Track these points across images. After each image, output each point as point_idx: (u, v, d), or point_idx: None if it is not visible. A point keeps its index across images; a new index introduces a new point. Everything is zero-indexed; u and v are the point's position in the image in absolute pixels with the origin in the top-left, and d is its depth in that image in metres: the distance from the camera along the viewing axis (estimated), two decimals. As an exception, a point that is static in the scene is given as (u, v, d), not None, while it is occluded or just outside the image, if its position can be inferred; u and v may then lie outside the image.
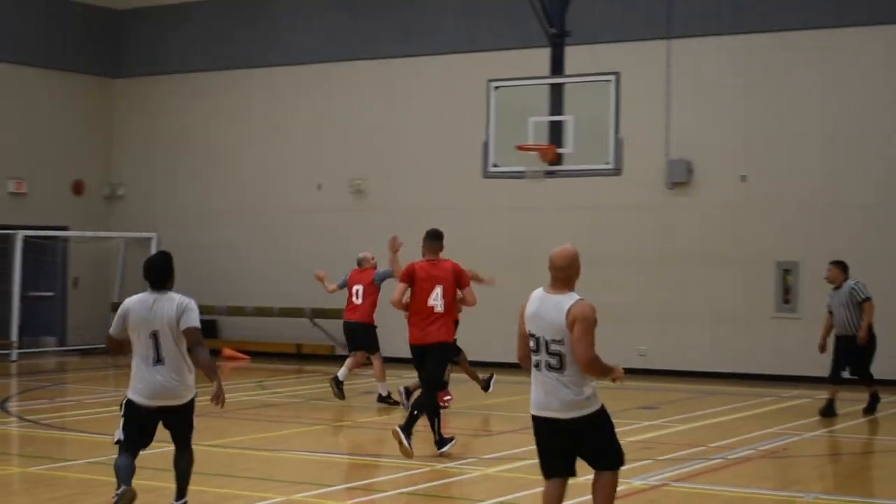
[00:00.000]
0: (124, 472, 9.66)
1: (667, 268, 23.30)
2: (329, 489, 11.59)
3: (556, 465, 8.59)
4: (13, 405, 18.95)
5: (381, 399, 18.46)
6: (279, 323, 27.00)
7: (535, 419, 8.59)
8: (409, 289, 13.92)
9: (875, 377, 17.98)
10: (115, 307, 27.93)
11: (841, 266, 18.04)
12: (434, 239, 14.23)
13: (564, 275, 8.49)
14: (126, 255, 29.42)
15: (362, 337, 18.58)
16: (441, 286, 13.74)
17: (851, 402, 18.16)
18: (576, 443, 8.49)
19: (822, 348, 18.06)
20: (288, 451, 13.91)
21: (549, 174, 19.06)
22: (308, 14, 27.58)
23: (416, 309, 13.87)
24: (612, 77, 18.34)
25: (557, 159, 18.57)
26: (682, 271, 23.08)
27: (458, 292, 14.00)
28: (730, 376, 22.58)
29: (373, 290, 18.58)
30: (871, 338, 17.69)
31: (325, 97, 27.18)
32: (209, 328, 25.69)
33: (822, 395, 19.13)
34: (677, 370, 22.05)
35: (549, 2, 20.34)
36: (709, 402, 19.37)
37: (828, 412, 17.56)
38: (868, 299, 17.58)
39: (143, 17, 30.11)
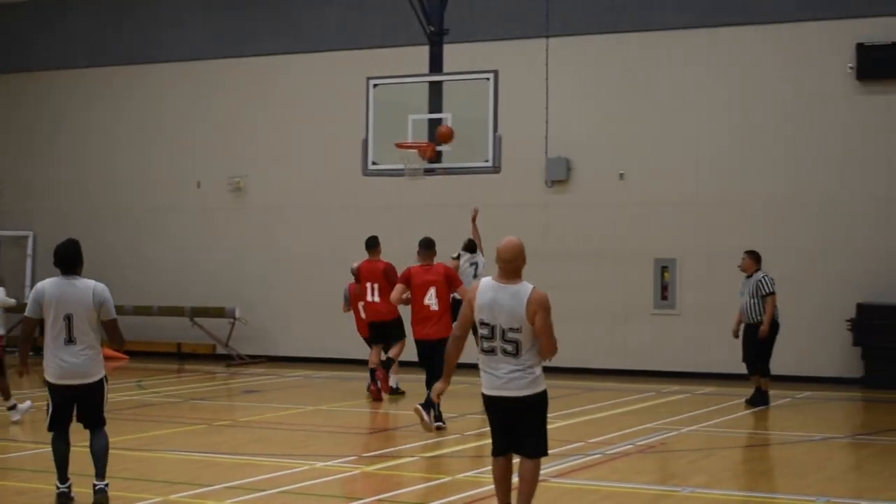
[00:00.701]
0: (61, 458, 10.42)
1: (546, 265, 23.20)
2: (207, 489, 11.41)
3: (508, 442, 9.13)
4: None
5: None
6: (159, 322, 26.66)
7: (492, 399, 9.03)
8: (408, 290, 15.69)
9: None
10: (-9, 305, 27.74)
11: (754, 256, 18.49)
12: (427, 247, 15.88)
13: (513, 266, 9.03)
14: (1, 253, 29.12)
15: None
16: (434, 288, 15.36)
17: (731, 396, 18.40)
18: (524, 420, 9.01)
19: (735, 334, 18.45)
20: (166, 451, 13.75)
21: (429, 172, 19.14)
22: (189, 10, 27.44)
23: (415, 309, 15.55)
24: (490, 75, 18.45)
25: (436, 157, 18.69)
26: (561, 268, 23.16)
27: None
28: (609, 372, 22.80)
29: None
30: (772, 330, 18.17)
31: (203, 94, 27.00)
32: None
33: (701, 390, 19.45)
34: (556, 367, 22.08)
35: (427, 0, 20.27)
36: (588, 397, 19.52)
37: (756, 402, 18.06)
38: (771, 294, 18.02)
39: (18, 12, 29.60)
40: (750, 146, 22.60)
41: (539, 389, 8.93)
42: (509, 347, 8.82)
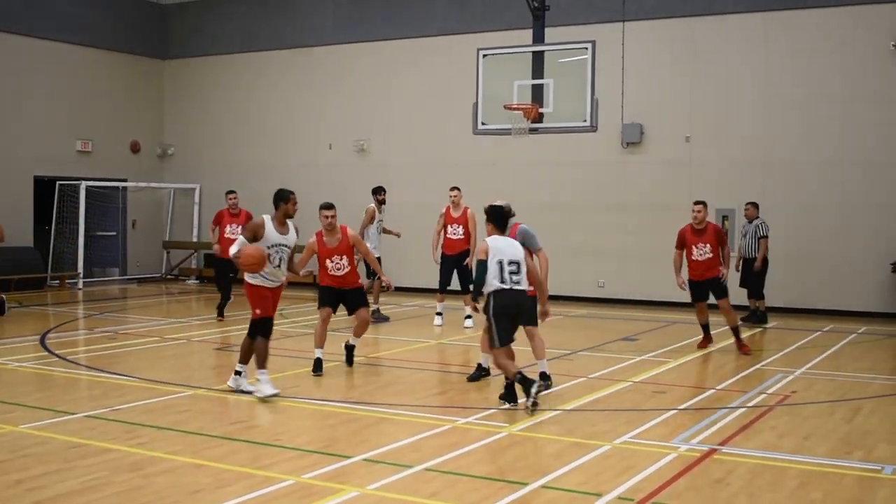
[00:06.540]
0: None
1: (622, 214, 23.70)
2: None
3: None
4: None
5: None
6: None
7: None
8: None
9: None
10: (166, 245, 28.87)
11: (755, 206, 20.14)
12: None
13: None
14: (174, 202, 31.16)
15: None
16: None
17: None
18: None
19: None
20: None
21: (533, 131, 19.03)
22: (323, 4, 28.62)
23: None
24: (588, 45, 18.14)
25: (539, 118, 18.65)
26: (634, 217, 23.35)
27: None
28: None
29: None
30: (764, 265, 19.81)
31: (335, 73, 28.27)
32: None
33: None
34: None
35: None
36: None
37: (752, 319, 19.72)
38: (765, 237, 19.74)
39: (184, 9, 31.61)
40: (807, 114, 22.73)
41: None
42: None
